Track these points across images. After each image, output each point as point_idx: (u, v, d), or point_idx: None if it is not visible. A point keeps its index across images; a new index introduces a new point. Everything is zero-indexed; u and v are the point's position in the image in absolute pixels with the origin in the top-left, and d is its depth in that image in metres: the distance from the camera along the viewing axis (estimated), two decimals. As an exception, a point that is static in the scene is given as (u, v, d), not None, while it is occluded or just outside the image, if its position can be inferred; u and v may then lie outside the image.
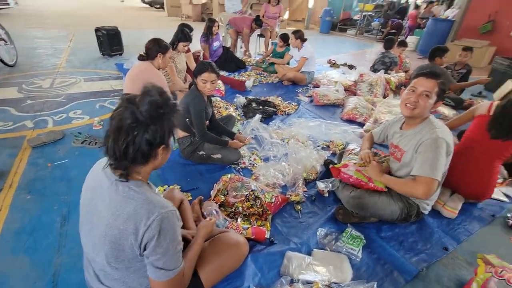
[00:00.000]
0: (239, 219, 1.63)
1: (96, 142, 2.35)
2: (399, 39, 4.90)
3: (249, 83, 3.91)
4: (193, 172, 2.10)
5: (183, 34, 2.99)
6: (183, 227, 1.26)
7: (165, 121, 0.83)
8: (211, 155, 2.13)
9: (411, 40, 8.34)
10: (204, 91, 1.97)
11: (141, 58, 2.39)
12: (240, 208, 1.67)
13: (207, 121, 2.19)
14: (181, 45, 3.03)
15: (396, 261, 1.48)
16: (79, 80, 3.87)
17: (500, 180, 2.14)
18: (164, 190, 1.85)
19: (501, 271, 1.26)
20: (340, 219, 1.71)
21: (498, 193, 2.07)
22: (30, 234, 1.51)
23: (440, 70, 3.33)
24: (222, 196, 1.75)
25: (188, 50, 3.62)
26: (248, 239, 1.48)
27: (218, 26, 4.35)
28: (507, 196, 2.09)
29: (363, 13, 11.05)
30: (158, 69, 2.43)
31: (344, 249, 1.50)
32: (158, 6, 14.79)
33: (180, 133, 2.13)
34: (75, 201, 1.74)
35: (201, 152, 2.12)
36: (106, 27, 4.92)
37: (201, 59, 3.91)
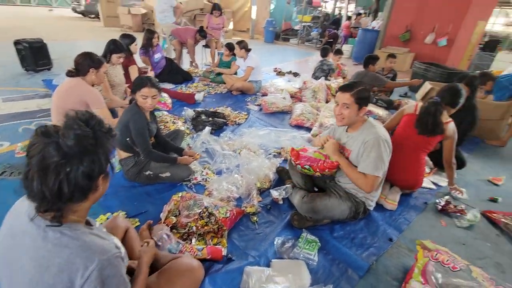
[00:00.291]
0: (193, 240, 1.55)
1: (19, 172, 2.02)
2: (336, 48, 5.34)
3: (199, 96, 3.81)
4: (140, 195, 1.94)
5: (115, 45, 2.77)
6: (130, 258, 1.14)
7: (100, 148, 0.74)
8: (159, 174, 1.99)
9: (346, 48, 9.18)
10: (145, 107, 1.86)
11: (69, 74, 2.13)
12: (194, 228, 1.59)
13: (152, 139, 2.06)
14: (114, 57, 2.79)
15: (349, 258, 1.56)
16: (-4, 100, 3.33)
17: (427, 170, 2.43)
18: (107, 219, 1.67)
19: (436, 254, 1.41)
20: (296, 225, 1.73)
21: (427, 182, 2.34)
22: None
23: (372, 76, 3.71)
24: (173, 217, 1.64)
25: (133, 62, 3.41)
26: (205, 260, 1.42)
27: (158, 38, 4.16)
28: (434, 184, 2.37)
29: (303, 24, 11.82)
30: (92, 85, 2.21)
31: (301, 255, 1.52)
32: (93, 16, 13.74)
33: (122, 154, 1.95)
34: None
35: (148, 172, 1.97)
36: (28, 39, 4.35)
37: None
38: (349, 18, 11.57)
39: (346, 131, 1.76)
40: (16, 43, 4.30)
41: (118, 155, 2.02)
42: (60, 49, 5.79)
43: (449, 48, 7.36)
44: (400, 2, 7.85)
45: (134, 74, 3.38)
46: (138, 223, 1.67)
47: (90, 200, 0.78)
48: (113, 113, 2.69)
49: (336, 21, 11.65)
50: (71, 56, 2.16)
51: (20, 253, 0.72)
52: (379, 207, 2.00)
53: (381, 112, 3.55)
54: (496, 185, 2.50)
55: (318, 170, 1.66)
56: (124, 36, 3.35)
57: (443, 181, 2.41)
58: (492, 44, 9.19)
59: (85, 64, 2.13)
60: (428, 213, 2.04)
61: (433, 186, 2.34)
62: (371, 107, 3.60)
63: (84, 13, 14.16)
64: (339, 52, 5.01)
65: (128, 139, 1.86)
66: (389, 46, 8.02)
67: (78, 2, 14.45)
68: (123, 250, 0.81)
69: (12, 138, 2.54)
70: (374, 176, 1.54)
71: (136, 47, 3.45)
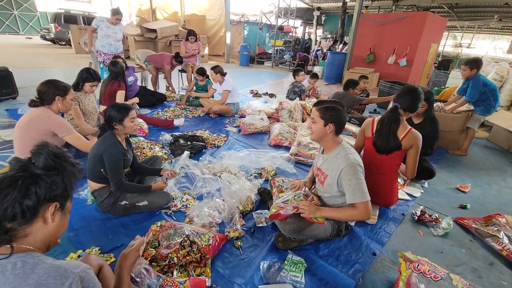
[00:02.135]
0: (175, 272, 1.46)
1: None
2: (308, 69, 5.60)
3: (179, 122, 3.74)
4: (115, 227, 1.83)
5: (89, 73, 2.71)
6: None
7: (62, 175, 0.76)
8: (136, 203, 1.90)
9: (317, 69, 9.69)
10: (134, 130, 1.88)
11: (33, 104, 2.02)
12: (175, 259, 1.51)
13: (128, 168, 1.99)
14: (87, 86, 2.73)
15: (336, 277, 1.54)
16: (-49, 133, 3.07)
17: (401, 182, 2.54)
18: (78, 257, 1.54)
19: (418, 265, 1.44)
20: (280, 247, 1.71)
21: (402, 194, 2.44)
22: None
23: (350, 98, 3.89)
24: (152, 249, 1.55)
25: (122, 88, 3.41)
26: (188, 293, 1.34)
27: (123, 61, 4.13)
28: (409, 195, 2.48)
29: (275, 48, 12.39)
30: (60, 114, 2.12)
31: (288, 278, 1.49)
32: (63, 43, 13.46)
33: (94, 185, 1.85)
34: None
35: (124, 202, 1.88)
36: (-10, 68, 4.15)
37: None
38: (319, 43, 12.43)
39: (322, 153, 1.78)
40: (-23, 72, 4.08)
41: (90, 187, 1.91)
42: (28, 77, 5.56)
43: (409, 67, 8.04)
44: (363, 26, 8.53)
45: (121, 98, 3.38)
46: (113, 259, 1.56)
47: (38, 228, 0.74)
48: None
49: (307, 47, 12.37)
50: (38, 84, 2.07)
51: None
52: (360, 222, 2.03)
53: (354, 129, 3.72)
54: (464, 192, 2.66)
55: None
56: (112, 63, 3.45)
57: (416, 192, 2.53)
58: (445, 64, 10.16)
59: (49, 92, 2.03)
60: (406, 224, 2.11)
61: (408, 197, 2.43)
62: (345, 125, 3.76)
63: (53, 40, 13.84)
64: (315, 76, 5.25)
65: (102, 169, 1.78)
66: (356, 67, 8.59)
67: (47, 29, 14.13)
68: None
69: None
70: (366, 202, 1.52)
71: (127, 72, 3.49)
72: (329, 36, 14.65)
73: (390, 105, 2.10)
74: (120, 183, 1.79)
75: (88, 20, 13.21)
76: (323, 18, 16.41)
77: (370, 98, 4.44)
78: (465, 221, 2.13)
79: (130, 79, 4.16)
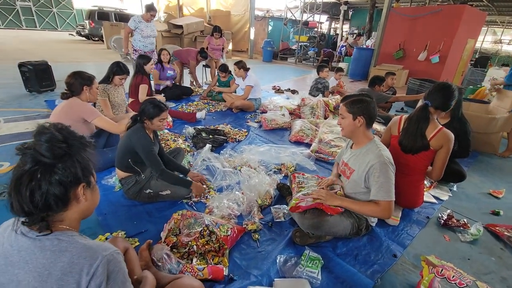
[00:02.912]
0: (194, 260, 1.52)
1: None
2: (333, 65, 5.48)
3: (201, 115, 3.85)
4: (140, 214, 1.92)
5: (118, 67, 2.86)
6: (131, 280, 1.11)
7: (75, 156, 0.75)
8: (160, 192, 1.99)
9: (342, 66, 9.42)
10: (160, 128, 1.96)
11: (64, 96, 2.17)
12: (195, 247, 1.56)
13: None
14: (117, 78, 2.87)
15: (353, 276, 1.52)
16: (-2, 121, 3.37)
17: (428, 184, 2.43)
18: (106, 239, 1.64)
19: (442, 270, 1.38)
20: (298, 242, 1.71)
21: (428, 196, 2.33)
22: None
23: (375, 95, 3.76)
24: (173, 236, 1.62)
25: (145, 81, 3.55)
26: (206, 280, 1.38)
27: (168, 54, 4.51)
28: (435, 197, 2.36)
29: (300, 44, 12.21)
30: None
31: (305, 273, 1.49)
32: (96, 38, 14.20)
33: (121, 174, 1.96)
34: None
35: (148, 191, 1.97)
36: (32, 62, 4.48)
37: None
38: (346, 38, 12.05)
39: (351, 148, 1.76)
40: (21, 65, 4.42)
41: (118, 175, 2.02)
42: (65, 71, 5.90)
43: (442, 64, 7.57)
44: (393, 21, 8.16)
45: (143, 93, 3.51)
46: (137, 243, 1.65)
47: (74, 210, 0.78)
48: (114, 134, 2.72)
49: (334, 42, 11.97)
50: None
51: (16, 270, 0.71)
52: (381, 222, 1.98)
53: (379, 127, 3.60)
54: (497, 198, 2.49)
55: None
56: (140, 56, 3.60)
57: (443, 195, 2.41)
58: (483, 61, 9.48)
59: (77, 83, 2.18)
60: (431, 228, 2.02)
61: (434, 200, 2.32)
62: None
63: (88, 36, 14.63)
64: (340, 69, 5.15)
65: (129, 159, 1.88)
66: (383, 64, 8.25)
67: (82, 25, 14.96)
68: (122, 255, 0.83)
69: (13, 158, 2.55)
70: (389, 201, 1.49)
71: (151, 66, 3.64)
72: (355, 31, 14.15)
73: (420, 103, 2.01)
74: (162, 170, 1.89)
75: (119, 16, 13.83)
76: (350, 13, 15.88)
77: (397, 96, 4.26)
78: (497, 228, 2.00)
79: (169, 72, 4.58)
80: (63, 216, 0.77)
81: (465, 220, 2.04)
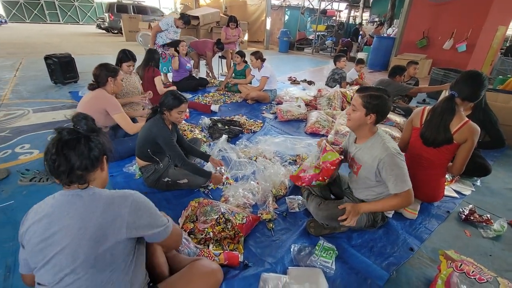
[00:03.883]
0: (210, 246, 1.57)
1: (48, 178, 2.15)
2: (351, 55, 5.31)
3: (215, 107, 3.88)
4: (158, 201, 2.00)
5: (124, 53, 2.89)
6: (151, 263, 1.17)
7: (100, 133, 0.98)
8: (177, 181, 2.05)
9: (361, 56, 9.11)
10: (178, 121, 1.99)
11: (91, 87, 2.27)
12: (211, 233, 1.61)
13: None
14: (124, 66, 2.90)
15: (368, 268, 1.52)
16: (27, 111, 3.56)
17: (449, 178, 2.34)
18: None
19: (461, 265, 1.35)
20: (312, 232, 1.72)
21: (449, 191, 2.26)
22: (-35, 294, 1.30)
23: (395, 86, 3.63)
24: (191, 223, 1.68)
25: (158, 73, 3.61)
26: (221, 266, 1.43)
27: (186, 46, 4.60)
28: (457, 192, 2.28)
29: (317, 33, 11.90)
30: (113, 94, 2.33)
31: (318, 263, 1.50)
32: (115, 31, 14.51)
33: (142, 162, 2.03)
34: (22, 248, 1.54)
35: (167, 179, 2.04)
36: (57, 55, 4.67)
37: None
38: (360, 24, 11.56)
39: (355, 142, 1.69)
40: (47, 58, 4.62)
41: (138, 163, 2.10)
42: (86, 63, 6.15)
43: (469, 53, 7.15)
44: (416, 8, 7.77)
45: (159, 84, 3.57)
46: (157, 228, 1.72)
47: (99, 176, 0.97)
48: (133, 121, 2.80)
49: (355, 31, 11.39)
50: (94, 69, 2.30)
51: (61, 221, 0.85)
52: (398, 215, 1.95)
53: (398, 119, 3.48)
54: (525, 194, 2.37)
55: (325, 177, 1.63)
56: (154, 51, 3.65)
57: (466, 190, 2.32)
58: (515, 49, 8.82)
59: (102, 75, 2.26)
60: (451, 223, 1.97)
61: (455, 195, 2.25)
62: (389, 114, 3.53)
63: (107, 29, 14.98)
64: (361, 61, 4.98)
65: (148, 149, 1.94)
66: (405, 53, 7.90)
67: (102, 19, 15.32)
68: None
69: (41, 146, 2.70)
70: (408, 190, 1.45)
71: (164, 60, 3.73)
72: (376, 19, 13.59)
73: (444, 94, 1.92)
74: (183, 160, 1.94)
75: (137, 9, 14.01)
76: (370, 0, 15.23)
77: (419, 87, 4.08)
78: (523, 225, 1.91)
79: (188, 65, 4.70)
80: (92, 177, 0.94)
81: (488, 215, 1.96)
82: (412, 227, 1.87)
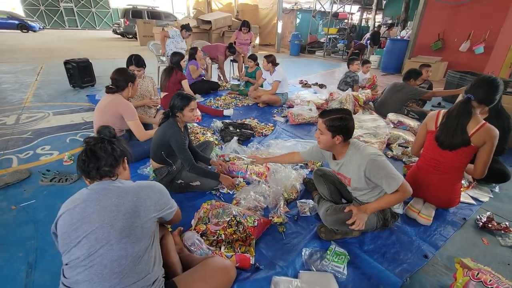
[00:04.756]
0: (222, 247, 1.59)
1: (67, 179, 2.23)
2: (362, 58, 5.25)
3: (229, 112, 3.88)
4: (172, 202, 2.04)
5: (130, 60, 2.97)
6: (166, 261, 1.21)
7: (120, 141, 1.19)
8: (190, 183, 2.09)
9: (373, 58, 8.99)
10: (192, 119, 2.04)
11: (110, 91, 2.33)
12: (223, 235, 1.63)
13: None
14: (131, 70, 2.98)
15: (380, 274, 1.50)
16: (48, 114, 3.72)
17: (465, 184, 2.28)
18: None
19: (478, 274, 1.32)
20: (323, 237, 1.71)
21: (465, 197, 2.20)
22: (-10, 288, 1.37)
23: (410, 89, 3.57)
24: (203, 224, 1.70)
25: (184, 77, 3.74)
26: (233, 268, 1.45)
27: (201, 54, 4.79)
28: (474, 198, 2.22)
29: (328, 36, 11.84)
30: (128, 99, 2.40)
31: (330, 267, 1.50)
32: (130, 36, 14.92)
33: (156, 165, 2.08)
34: (43, 246, 1.61)
35: (180, 181, 2.08)
36: (76, 60, 4.85)
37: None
38: (379, 27, 11.35)
39: (334, 159, 1.72)
40: (66, 62, 4.81)
41: (152, 165, 2.16)
42: (102, 67, 6.35)
43: (487, 55, 6.94)
44: (431, 10, 7.62)
45: (186, 86, 3.71)
46: (170, 229, 1.75)
47: (123, 173, 1.17)
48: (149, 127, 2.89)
49: (375, 35, 10.27)
50: (111, 73, 2.38)
51: (97, 203, 1.00)
52: (412, 221, 1.91)
53: (412, 123, 3.42)
54: (547, 202, 2.28)
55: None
56: (174, 54, 3.75)
57: (483, 196, 2.26)
58: (537, 50, 8.48)
59: (122, 80, 2.33)
60: (468, 230, 1.91)
61: (472, 201, 2.19)
62: (402, 118, 3.48)
63: (123, 34, 15.42)
64: (366, 62, 4.92)
65: (163, 152, 1.99)
66: (420, 56, 7.75)
67: (118, 24, 15.78)
68: None
69: (60, 148, 2.81)
70: (401, 184, 1.47)
71: (184, 64, 3.79)
72: (389, 21, 13.39)
73: (460, 98, 1.89)
74: (192, 164, 2.00)
75: (151, 14, 14.37)
76: (383, 2, 15.03)
77: (434, 91, 4.00)
78: (545, 234, 1.84)
79: (203, 72, 4.88)
80: (119, 172, 1.13)
81: (507, 223, 1.90)
82: (426, 233, 1.83)
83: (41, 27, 17.91)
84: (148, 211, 1.06)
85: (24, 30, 16.48)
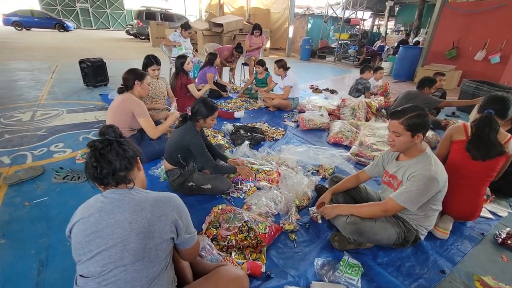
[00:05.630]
0: (233, 253, 1.56)
1: (79, 177, 2.25)
2: (374, 65, 5.20)
3: (240, 114, 3.90)
4: (182, 205, 2.03)
5: (149, 59, 2.99)
6: (176, 264, 1.19)
7: (126, 140, 1.05)
8: (201, 186, 2.08)
9: (385, 65, 8.89)
10: (210, 126, 2.08)
11: (120, 91, 2.37)
12: (234, 241, 1.61)
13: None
14: (150, 70, 2.99)
15: (396, 288, 1.45)
16: (62, 112, 3.78)
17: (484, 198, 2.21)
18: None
19: (500, 293, 1.26)
20: (336, 246, 1.67)
21: (484, 211, 2.12)
22: (2, 287, 1.37)
23: (424, 98, 3.49)
24: (214, 229, 1.68)
25: (190, 81, 3.73)
26: (244, 275, 1.42)
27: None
28: (492, 213, 2.15)
29: (340, 42, 11.79)
30: (140, 98, 2.42)
31: (343, 279, 1.45)
32: (143, 37, 15.15)
33: (168, 166, 2.08)
34: (54, 244, 1.62)
35: (191, 183, 2.07)
36: (91, 59, 4.93)
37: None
38: (384, 38, 11.26)
39: (396, 159, 1.68)
40: (81, 62, 4.90)
41: (164, 167, 2.15)
42: (115, 67, 6.45)
43: (503, 65, 6.79)
44: (446, 17, 7.52)
45: (193, 90, 3.70)
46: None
47: (137, 176, 1.05)
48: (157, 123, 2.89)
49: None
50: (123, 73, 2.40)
51: (112, 216, 0.92)
52: (428, 234, 1.85)
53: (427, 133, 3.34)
54: None
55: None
56: (178, 57, 3.73)
57: (502, 211, 2.18)
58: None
59: (130, 78, 2.35)
60: (486, 246, 1.84)
61: (490, 216, 2.11)
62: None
63: (136, 35, 15.67)
64: (379, 68, 4.86)
65: (179, 155, 1.99)
66: (433, 64, 7.63)
67: (131, 25, 16.07)
68: None
69: (74, 146, 2.85)
70: (399, 205, 1.48)
71: (188, 66, 3.72)
72: (402, 28, 13.27)
73: (477, 108, 1.89)
74: (215, 165, 2.04)
75: (164, 16, 14.59)
76: (396, 9, 14.92)
77: (449, 100, 3.91)
78: None
79: (215, 77, 4.85)
80: (132, 176, 1.02)
81: (528, 240, 1.82)
82: (443, 247, 1.77)
83: (74, 28, 18.88)
84: (163, 231, 0.95)
85: (61, 30, 17.75)
